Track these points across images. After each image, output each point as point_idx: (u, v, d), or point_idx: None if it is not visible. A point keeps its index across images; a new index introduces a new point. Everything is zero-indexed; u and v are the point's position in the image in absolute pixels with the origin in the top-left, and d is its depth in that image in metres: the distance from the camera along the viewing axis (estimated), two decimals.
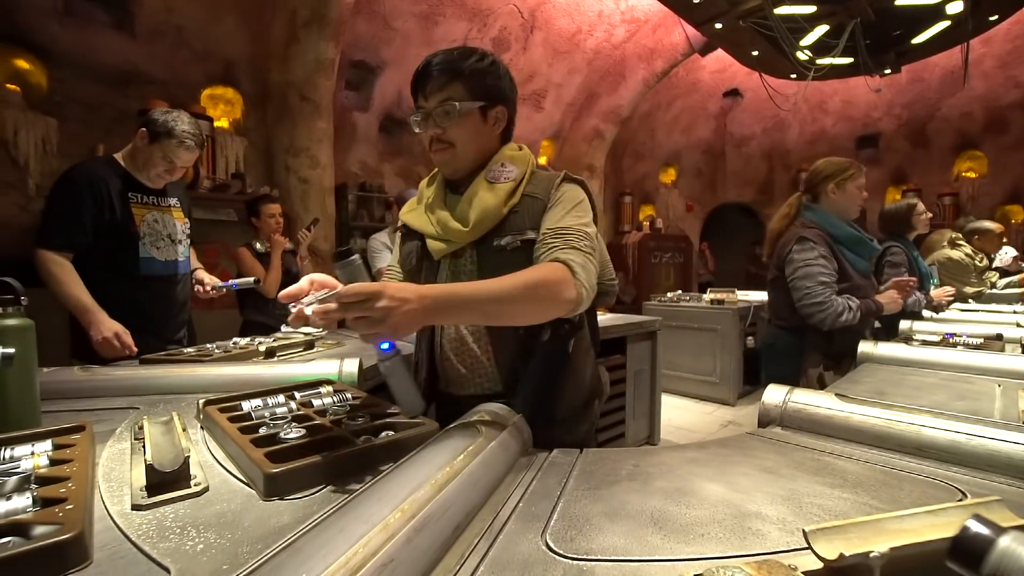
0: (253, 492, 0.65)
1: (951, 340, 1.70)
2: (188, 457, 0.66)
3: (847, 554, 0.42)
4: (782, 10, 4.67)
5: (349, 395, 0.96)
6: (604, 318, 2.93)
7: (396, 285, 0.69)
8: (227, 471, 0.71)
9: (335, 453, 0.69)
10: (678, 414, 3.72)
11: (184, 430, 0.77)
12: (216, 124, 3.84)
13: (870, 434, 0.81)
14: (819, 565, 0.46)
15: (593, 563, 0.50)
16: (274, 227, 2.72)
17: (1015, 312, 2.42)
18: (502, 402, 0.89)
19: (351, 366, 1.20)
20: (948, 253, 3.12)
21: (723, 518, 0.58)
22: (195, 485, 0.64)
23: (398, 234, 1.18)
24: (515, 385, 1.00)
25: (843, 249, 1.88)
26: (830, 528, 0.45)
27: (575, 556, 0.51)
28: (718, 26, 5.08)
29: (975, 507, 0.49)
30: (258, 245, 2.71)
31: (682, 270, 7.37)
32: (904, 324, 2.02)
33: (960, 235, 3.27)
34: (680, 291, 4.63)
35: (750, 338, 3.91)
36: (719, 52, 5.87)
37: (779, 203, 7.83)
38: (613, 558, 0.50)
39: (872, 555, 0.42)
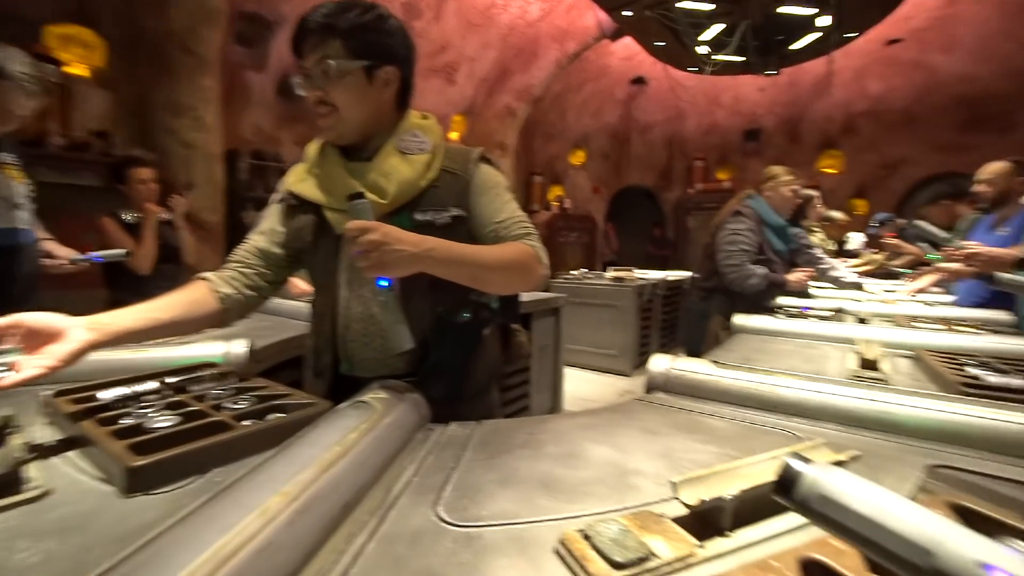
0: (111, 490, 0.58)
1: (806, 313, 1.96)
2: (20, 459, 0.57)
3: (705, 499, 0.47)
4: (684, 4, 4.93)
5: (235, 378, 0.89)
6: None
7: (393, 228, 0.79)
8: (80, 470, 0.63)
9: (213, 440, 0.64)
10: (580, 386, 3.92)
11: (18, 428, 0.67)
12: (70, 71, 3.29)
13: (737, 395, 0.90)
14: (685, 511, 0.51)
15: (482, 528, 0.51)
16: (145, 194, 2.40)
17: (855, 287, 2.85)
18: (410, 382, 0.89)
19: (240, 347, 1.11)
20: (807, 240, 3.58)
21: (606, 477, 0.62)
22: (31, 490, 0.56)
23: (276, 206, 1.04)
24: (425, 366, 0.97)
25: (769, 232, 2.33)
26: (693, 478, 0.50)
27: (465, 524, 0.52)
28: (627, 13, 5.27)
29: (804, 449, 0.57)
30: (125, 215, 2.38)
31: (588, 250, 7.70)
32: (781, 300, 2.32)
33: (816, 223, 3.75)
34: (584, 269, 4.83)
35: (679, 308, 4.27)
36: (628, 40, 6.09)
37: (677, 188, 8.29)
38: (501, 522, 0.52)
39: (725, 498, 0.47)
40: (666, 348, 4.61)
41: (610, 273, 4.36)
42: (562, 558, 0.46)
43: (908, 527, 0.25)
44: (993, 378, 1.02)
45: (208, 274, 0.97)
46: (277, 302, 1.95)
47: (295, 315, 1.77)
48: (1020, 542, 0.45)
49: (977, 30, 5.84)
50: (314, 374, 1.05)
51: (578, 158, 8.28)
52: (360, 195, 0.81)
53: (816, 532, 0.47)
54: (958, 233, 3.18)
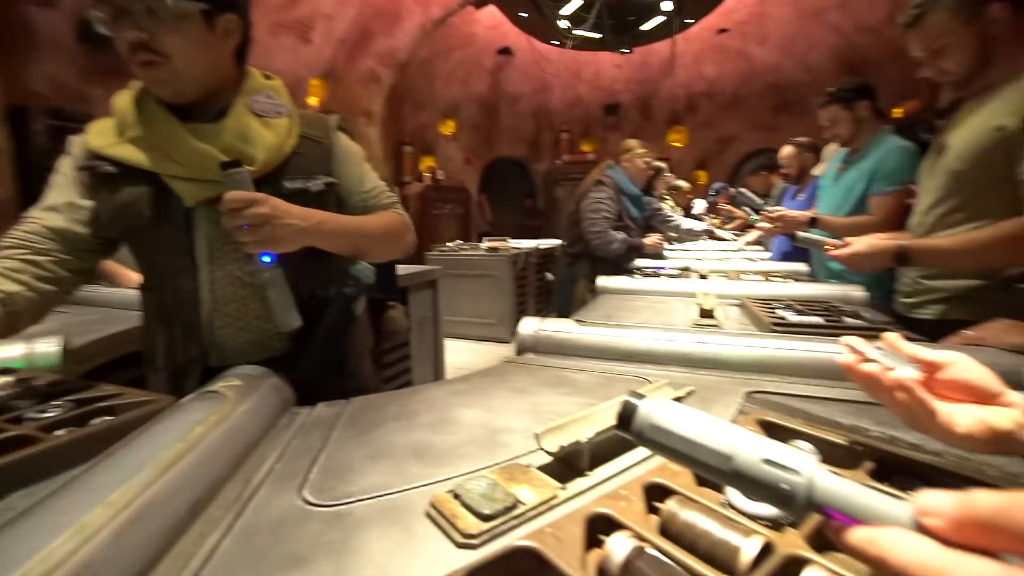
0: None
1: (659, 273, 2.20)
2: None
3: (564, 445, 0.50)
4: None
5: (42, 383, 0.74)
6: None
7: (280, 200, 0.76)
8: None
9: (10, 458, 0.53)
10: (461, 356, 3.97)
11: None
12: None
13: (598, 349, 0.98)
14: (549, 459, 0.55)
15: (352, 505, 0.50)
16: None
17: (699, 250, 3.26)
18: (288, 362, 0.84)
19: (48, 347, 0.93)
20: (658, 206, 3.97)
21: (478, 438, 0.64)
22: None
23: (70, 175, 0.84)
24: (300, 348, 0.91)
25: (626, 201, 2.54)
26: (554, 428, 0.54)
27: (333, 503, 0.50)
28: None
29: (651, 389, 0.65)
30: None
31: (463, 221, 7.70)
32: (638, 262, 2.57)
33: (664, 192, 4.18)
34: (460, 241, 4.84)
35: (548, 273, 4.44)
36: (492, 8, 6.04)
37: (546, 159, 8.58)
38: (372, 496, 0.51)
39: (582, 441, 0.51)
40: (542, 313, 4.84)
41: (485, 244, 4.43)
42: (433, 520, 0.46)
43: (714, 440, 0.30)
44: (794, 317, 1.24)
45: None
46: (103, 290, 1.66)
47: (124, 304, 1.52)
48: (803, 441, 0.56)
49: (781, 27, 6.83)
50: (171, 374, 0.89)
51: (448, 128, 8.14)
52: (237, 163, 0.74)
53: (657, 461, 0.54)
54: (771, 199, 3.77)
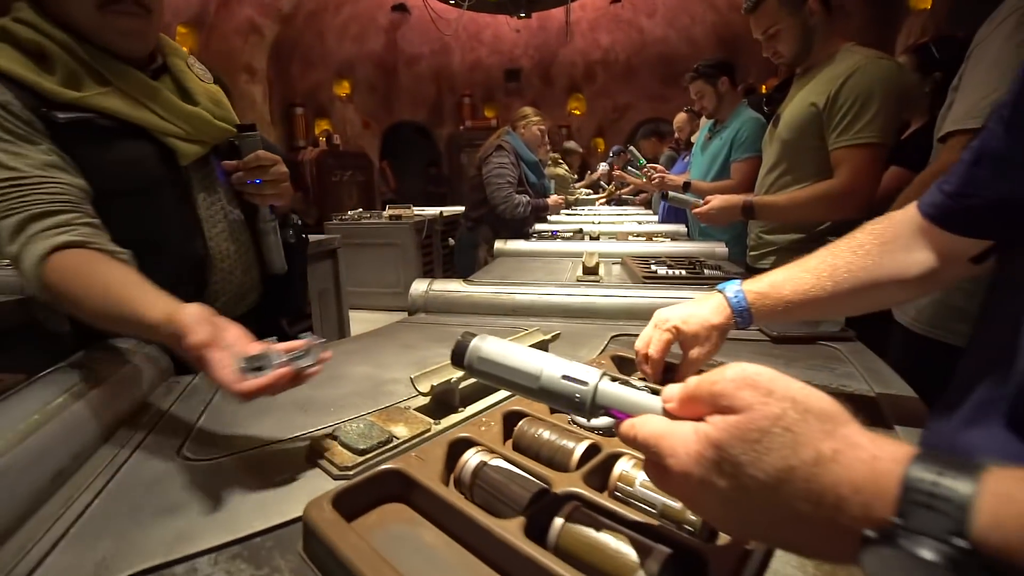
0: None
1: (555, 235, 2.32)
2: None
3: (435, 384, 0.56)
4: None
5: None
6: None
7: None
8: None
9: None
10: (367, 327, 3.90)
11: None
12: None
13: (485, 305, 1.05)
14: (426, 400, 0.61)
15: (233, 456, 0.52)
16: None
17: (595, 213, 3.46)
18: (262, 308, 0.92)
19: None
20: (555, 170, 4.11)
21: (364, 389, 0.68)
22: None
23: (26, 119, 0.67)
24: (275, 295, 0.96)
25: (525, 167, 2.56)
26: (428, 372, 0.59)
27: (215, 456, 0.52)
28: None
29: (520, 336, 0.72)
30: None
31: (365, 189, 7.39)
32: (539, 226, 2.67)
33: (559, 155, 4.34)
34: (361, 209, 4.67)
35: (450, 239, 4.38)
36: None
37: (449, 125, 8.37)
38: (255, 447, 0.54)
39: (451, 381, 0.58)
40: (462, 277, 4.87)
41: (388, 212, 4.32)
42: (313, 460, 0.50)
43: (525, 365, 0.37)
44: (663, 270, 1.40)
45: (78, 235, 0.63)
46: None
47: None
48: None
49: (667, 1, 7.19)
50: None
51: (343, 89, 7.67)
52: (252, 126, 0.82)
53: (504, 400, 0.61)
54: (663, 161, 4.07)
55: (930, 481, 0.20)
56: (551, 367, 0.36)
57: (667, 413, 0.31)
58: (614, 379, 0.35)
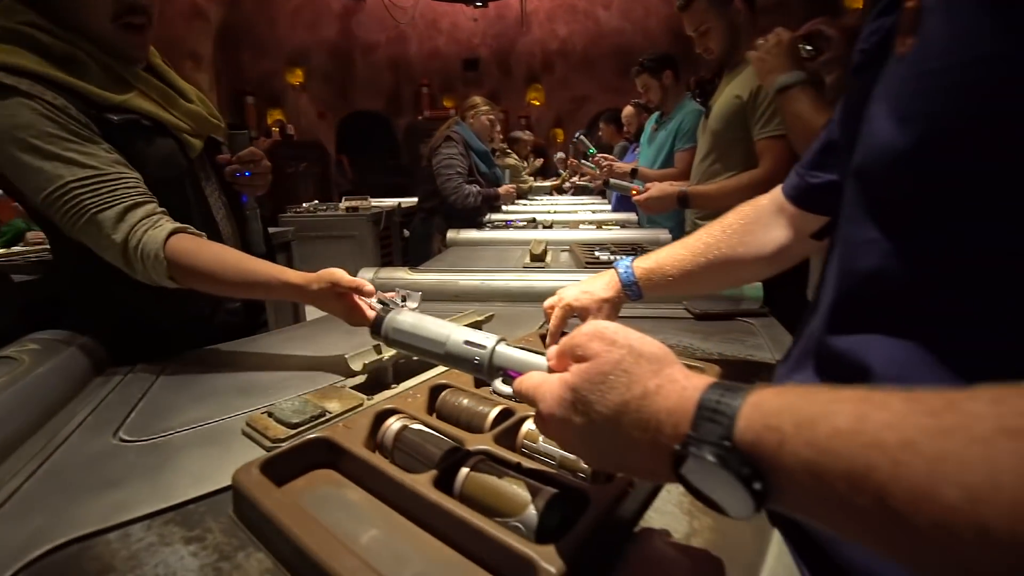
0: None
1: (508, 224, 2.36)
2: None
3: (367, 363, 0.60)
4: None
5: None
6: None
7: None
8: None
9: None
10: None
11: None
12: None
13: (431, 291, 1.08)
14: (363, 379, 0.64)
15: (170, 436, 0.54)
16: None
17: (552, 203, 3.52)
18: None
19: None
20: (506, 160, 4.16)
21: (304, 371, 0.71)
22: None
23: (82, 122, 0.72)
24: None
25: (475, 156, 2.56)
26: (363, 351, 0.63)
27: (150, 437, 0.54)
28: None
29: (456, 318, 0.76)
30: None
31: (321, 180, 7.23)
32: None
33: (506, 145, 4.40)
34: (317, 201, 4.59)
35: (405, 230, 4.34)
36: None
37: (407, 114, 8.21)
38: (191, 427, 0.56)
39: (383, 359, 0.61)
40: (412, 266, 4.85)
41: (344, 203, 4.26)
42: (248, 435, 0.53)
43: (434, 333, 0.41)
44: (604, 256, 1.47)
45: (173, 223, 0.73)
46: None
47: None
48: None
49: None
50: (184, 323, 0.87)
51: (297, 77, 7.45)
52: (243, 125, 0.85)
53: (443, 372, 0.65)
54: (616, 151, 4.17)
55: (715, 400, 0.25)
56: (455, 335, 0.40)
57: (551, 370, 0.36)
58: (509, 345, 0.40)
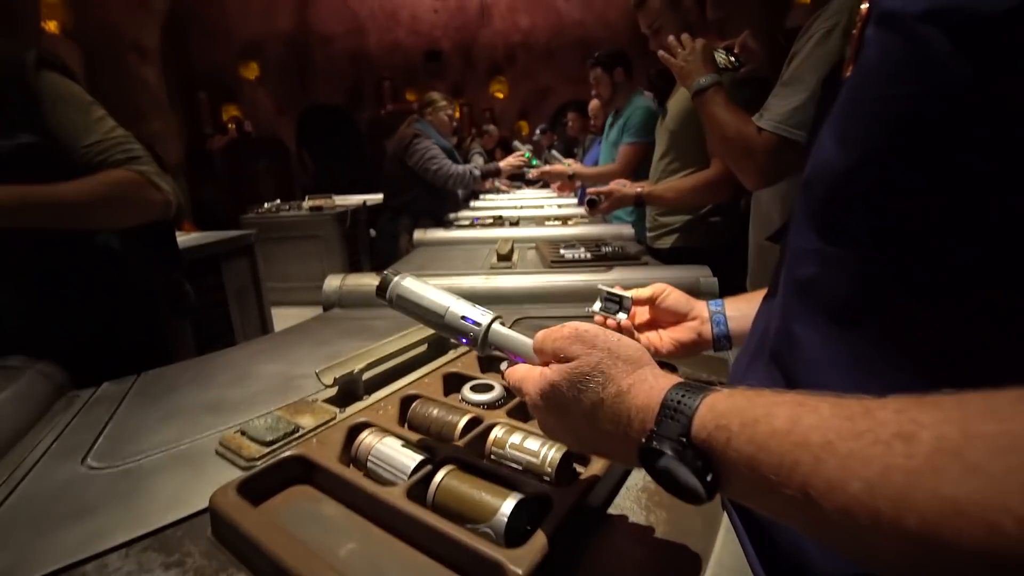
0: None
1: (474, 223, 2.37)
2: None
3: (337, 377, 0.61)
4: None
5: None
6: (188, 237, 2.62)
7: None
8: None
9: None
10: (292, 323, 3.80)
11: None
12: None
13: None
14: (334, 392, 0.65)
15: (141, 460, 0.54)
16: None
17: (519, 197, 3.55)
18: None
19: None
20: (474, 157, 4.17)
21: (274, 387, 0.71)
22: None
23: None
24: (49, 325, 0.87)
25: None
26: (335, 365, 0.64)
27: (121, 463, 0.54)
28: None
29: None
30: None
31: (283, 178, 7.03)
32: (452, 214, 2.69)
33: (469, 137, 4.42)
34: (278, 200, 4.48)
35: (371, 230, 4.26)
36: None
37: (369, 107, 8.03)
38: (163, 449, 0.56)
39: (354, 372, 0.63)
40: (379, 271, 4.80)
41: (308, 202, 4.18)
42: (222, 455, 0.54)
43: (435, 303, 0.46)
44: (570, 254, 1.50)
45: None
46: None
47: None
48: None
49: None
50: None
51: (252, 71, 7.21)
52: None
53: (413, 381, 0.67)
54: (583, 146, 4.23)
55: (676, 400, 0.29)
56: (455, 307, 0.45)
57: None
58: (503, 324, 0.45)
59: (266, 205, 4.27)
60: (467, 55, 8.54)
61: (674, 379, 0.31)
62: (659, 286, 0.62)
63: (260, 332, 3.07)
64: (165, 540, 0.43)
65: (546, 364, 0.37)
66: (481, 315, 0.44)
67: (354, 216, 4.24)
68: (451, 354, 0.79)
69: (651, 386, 0.31)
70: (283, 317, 3.59)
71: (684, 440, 0.27)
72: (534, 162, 2.80)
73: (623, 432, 0.32)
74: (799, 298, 0.35)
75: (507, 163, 2.67)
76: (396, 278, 0.48)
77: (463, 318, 0.44)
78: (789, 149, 0.90)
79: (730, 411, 0.26)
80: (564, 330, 0.36)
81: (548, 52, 8.24)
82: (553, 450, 0.45)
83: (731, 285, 1.03)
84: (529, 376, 0.38)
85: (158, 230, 1.03)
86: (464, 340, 0.44)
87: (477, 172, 2.47)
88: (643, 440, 0.29)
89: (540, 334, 0.39)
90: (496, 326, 0.44)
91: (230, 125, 6.50)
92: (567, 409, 0.34)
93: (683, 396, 0.29)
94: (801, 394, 0.24)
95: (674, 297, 0.61)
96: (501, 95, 8.34)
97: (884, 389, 0.23)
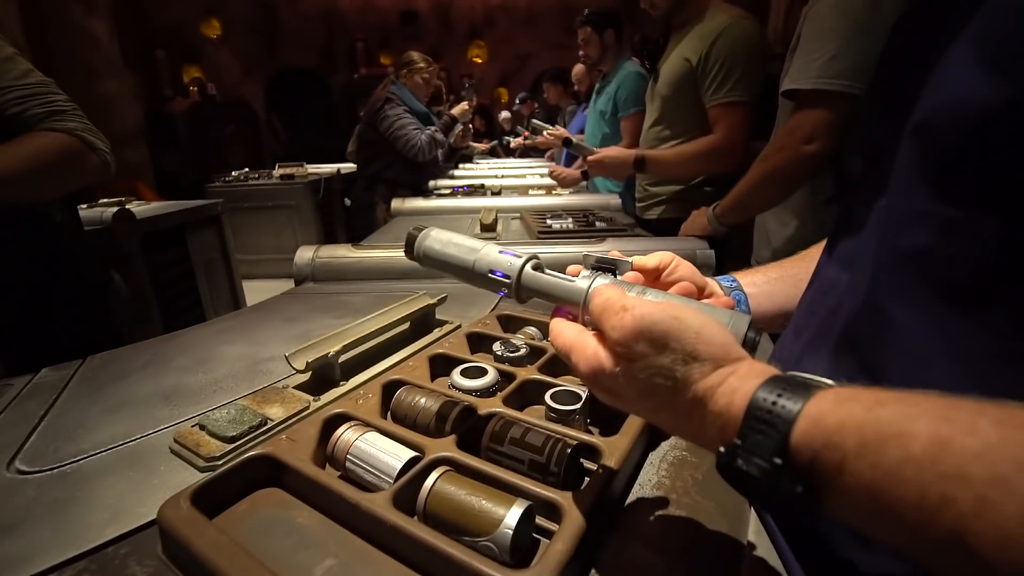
0: None
1: (455, 192, 2.28)
2: None
3: (310, 361, 0.54)
4: None
5: None
6: (150, 207, 2.47)
7: None
8: None
9: None
10: (265, 296, 3.67)
11: None
12: None
13: (375, 270, 1.02)
14: (307, 377, 0.58)
15: (81, 462, 0.47)
16: None
17: (500, 165, 3.44)
18: None
19: None
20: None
21: (239, 371, 0.64)
22: None
23: None
24: None
25: (415, 118, 2.37)
26: (306, 347, 0.57)
27: (56, 465, 0.47)
28: None
29: (406, 301, 0.71)
30: None
31: (251, 145, 6.71)
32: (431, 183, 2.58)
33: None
34: (247, 169, 4.26)
35: (346, 199, 4.06)
36: None
37: (343, 71, 7.69)
38: (107, 448, 0.49)
39: (329, 355, 0.56)
40: (355, 242, 4.65)
41: (278, 171, 3.98)
42: (177, 453, 0.47)
43: (465, 249, 0.42)
44: (556, 224, 1.44)
45: None
46: None
47: None
48: (531, 327, 0.69)
49: None
50: None
51: (214, 29, 6.76)
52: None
53: (388, 368, 0.61)
54: (566, 115, 4.10)
55: (766, 408, 0.22)
56: (483, 252, 0.41)
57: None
58: (538, 267, 0.40)
59: (234, 173, 4.07)
60: (445, 16, 8.19)
61: (763, 374, 0.24)
62: (666, 255, 0.49)
63: (231, 306, 2.94)
64: (106, 561, 0.36)
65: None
66: (509, 265, 0.40)
67: (328, 185, 4.07)
68: (436, 332, 0.73)
69: (734, 388, 0.24)
70: (255, 290, 3.45)
71: (779, 462, 0.21)
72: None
73: (694, 432, 0.27)
74: (902, 272, 0.28)
75: (458, 110, 2.48)
76: (420, 234, 0.45)
77: (491, 272, 0.40)
78: (840, 103, 0.84)
79: (843, 425, 0.20)
80: (626, 319, 0.28)
81: (529, 16, 7.96)
82: (560, 446, 0.40)
83: (727, 260, 0.98)
84: (578, 346, 0.32)
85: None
86: (501, 293, 0.41)
87: (440, 136, 2.35)
88: (723, 451, 0.24)
89: (597, 306, 0.31)
90: (529, 272, 0.39)
91: (192, 88, 6.13)
92: (627, 400, 0.30)
93: (777, 399, 0.22)
94: (942, 402, 0.18)
95: (685, 270, 0.49)
96: (480, 60, 8.05)
97: (1011, 393, 0.18)
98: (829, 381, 0.23)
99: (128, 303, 1.09)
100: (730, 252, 1.23)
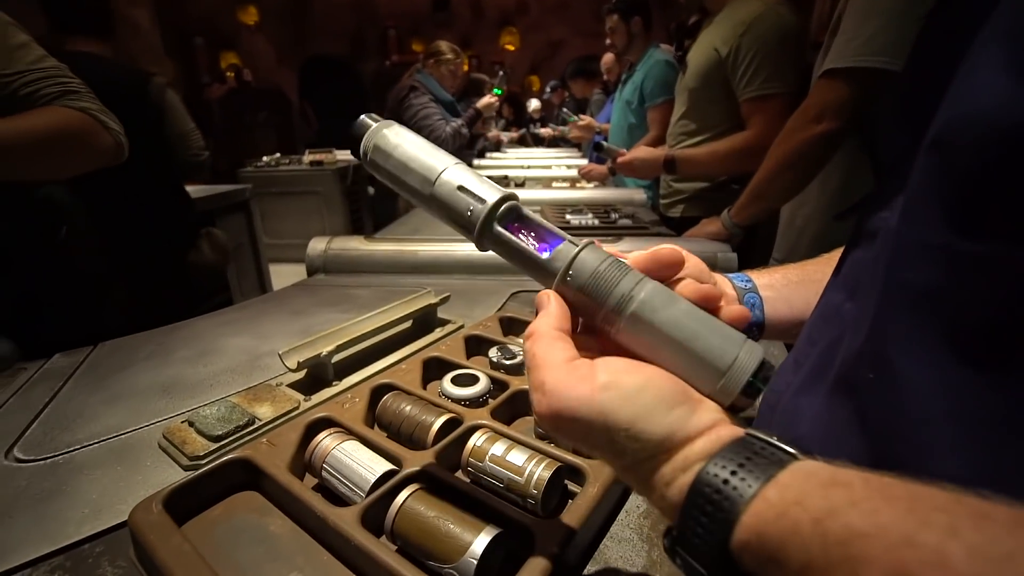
0: None
1: None
2: None
3: (302, 360, 0.53)
4: None
5: None
6: None
7: None
8: None
9: None
10: (292, 280, 3.74)
11: None
12: None
13: (386, 263, 1.01)
14: (298, 376, 0.58)
15: (73, 452, 0.48)
16: None
17: (527, 155, 3.40)
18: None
19: None
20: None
21: (238, 365, 0.64)
22: None
23: None
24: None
25: (441, 108, 2.37)
26: (300, 345, 0.56)
27: (50, 455, 0.47)
28: None
29: (410, 299, 0.70)
30: None
31: (284, 131, 6.82)
32: None
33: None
34: (278, 155, 4.33)
35: (370, 187, 4.08)
36: None
37: (374, 59, 7.73)
38: (100, 439, 0.50)
39: (322, 354, 0.55)
40: (380, 228, 4.69)
41: (308, 157, 4.03)
42: (164, 449, 0.47)
43: (424, 163, 0.31)
44: (575, 219, 1.40)
45: None
46: None
47: None
48: None
49: None
50: None
51: (250, 16, 6.88)
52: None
53: (385, 368, 0.60)
54: (592, 105, 4.02)
55: (721, 480, 0.19)
56: (450, 175, 0.30)
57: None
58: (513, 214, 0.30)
59: (265, 159, 4.14)
60: (476, 4, 8.11)
61: (705, 457, 0.21)
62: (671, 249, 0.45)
63: (259, 290, 3.01)
64: (79, 559, 0.37)
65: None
66: (486, 189, 0.30)
67: (356, 172, 4.10)
68: (437, 332, 0.71)
69: (668, 481, 0.22)
70: (281, 275, 3.52)
71: (719, 557, 0.18)
72: (572, 118, 2.68)
73: (647, 494, 0.23)
74: (909, 313, 0.23)
75: (483, 104, 2.42)
76: (373, 126, 0.33)
77: (460, 188, 0.30)
78: (866, 80, 0.79)
79: (784, 543, 0.17)
80: (542, 405, 0.24)
81: (562, 3, 7.80)
82: (541, 467, 0.38)
83: (751, 263, 0.93)
84: (552, 383, 0.24)
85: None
86: (455, 221, 0.31)
87: (465, 130, 2.32)
88: (665, 540, 0.22)
89: (525, 351, 0.27)
90: (497, 227, 0.30)
91: (229, 74, 6.26)
92: (579, 444, 0.25)
93: (734, 472, 0.19)
94: (911, 504, 0.15)
95: (692, 266, 0.40)
96: (512, 47, 7.96)
97: (1017, 468, 0.15)
98: (790, 451, 0.20)
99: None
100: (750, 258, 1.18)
